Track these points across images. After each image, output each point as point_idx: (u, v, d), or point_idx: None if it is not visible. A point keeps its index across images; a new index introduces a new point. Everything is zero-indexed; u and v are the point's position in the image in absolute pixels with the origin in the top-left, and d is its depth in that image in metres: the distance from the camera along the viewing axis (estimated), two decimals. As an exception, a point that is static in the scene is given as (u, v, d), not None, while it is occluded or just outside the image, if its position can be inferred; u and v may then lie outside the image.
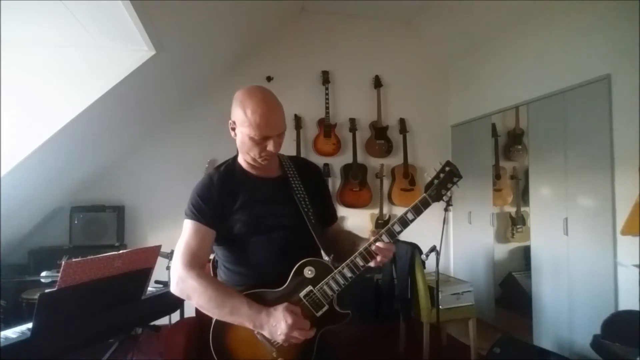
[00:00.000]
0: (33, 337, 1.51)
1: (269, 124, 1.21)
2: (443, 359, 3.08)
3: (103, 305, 1.76)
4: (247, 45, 4.04)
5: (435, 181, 1.28)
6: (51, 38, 2.32)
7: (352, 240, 1.39)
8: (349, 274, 1.22)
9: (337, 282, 1.22)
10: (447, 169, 1.29)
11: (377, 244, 1.21)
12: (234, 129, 1.27)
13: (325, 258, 1.28)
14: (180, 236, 1.26)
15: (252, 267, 1.28)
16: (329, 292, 1.22)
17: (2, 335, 1.57)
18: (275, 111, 1.23)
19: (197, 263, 1.23)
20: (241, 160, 1.36)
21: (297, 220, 1.30)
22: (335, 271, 1.22)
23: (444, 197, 1.28)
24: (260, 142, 1.23)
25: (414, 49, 4.62)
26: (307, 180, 1.39)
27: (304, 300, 1.21)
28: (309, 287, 1.22)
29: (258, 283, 1.24)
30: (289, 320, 1.12)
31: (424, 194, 1.28)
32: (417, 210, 1.25)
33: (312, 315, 1.21)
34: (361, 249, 1.23)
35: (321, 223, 1.38)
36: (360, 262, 1.22)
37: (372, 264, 1.23)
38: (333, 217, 1.50)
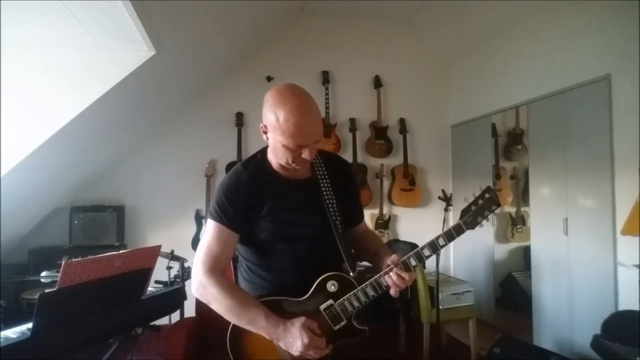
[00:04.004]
0: (33, 337, 1.51)
1: (304, 133, 1.11)
2: (443, 359, 3.08)
3: (103, 305, 1.76)
4: (247, 45, 4.04)
5: (473, 207, 1.21)
6: (51, 38, 2.32)
7: (376, 249, 1.35)
8: (371, 293, 1.22)
9: (358, 299, 1.22)
10: (486, 195, 1.21)
11: (392, 275, 1.18)
12: (265, 133, 1.19)
13: (350, 274, 1.26)
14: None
15: (274, 273, 1.28)
16: (349, 308, 1.22)
17: (2, 335, 1.57)
18: (311, 118, 1.13)
19: (219, 268, 1.21)
20: (271, 158, 1.27)
21: (324, 230, 1.27)
22: (358, 288, 1.22)
23: (479, 225, 1.21)
24: (294, 150, 1.14)
25: (414, 49, 4.61)
26: (336, 179, 1.32)
27: (324, 313, 1.21)
28: (330, 301, 1.22)
29: (278, 290, 1.24)
30: (305, 340, 1.11)
31: (459, 221, 1.22)
32: (450, 237, 1.20)
33: (329, 328, 1.21)
34: (387, 269, 1.20)
35: (348, 230, 1.34)
36: (384, 282, 1.21)
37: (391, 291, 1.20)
38: (359, 217, 1.45)
